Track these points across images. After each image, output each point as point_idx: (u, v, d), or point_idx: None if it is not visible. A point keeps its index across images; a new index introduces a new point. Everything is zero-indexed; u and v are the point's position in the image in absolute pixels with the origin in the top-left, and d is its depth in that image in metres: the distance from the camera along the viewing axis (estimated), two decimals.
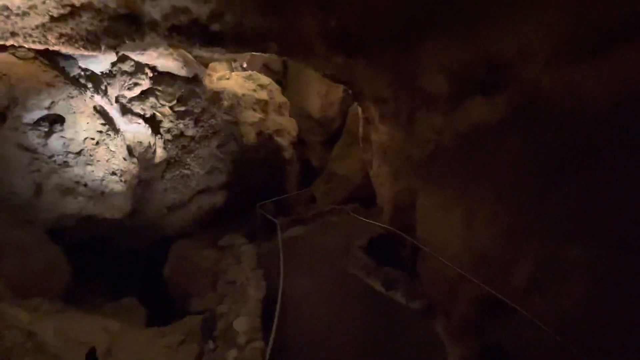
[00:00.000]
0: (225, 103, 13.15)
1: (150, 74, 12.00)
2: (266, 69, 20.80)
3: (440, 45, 8.27)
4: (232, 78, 15.71)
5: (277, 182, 16.74)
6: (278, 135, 16.37)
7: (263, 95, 16.14)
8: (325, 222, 15.74)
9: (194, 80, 12.61)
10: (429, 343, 7.64)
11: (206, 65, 16.49)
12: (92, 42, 7.11)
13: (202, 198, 12.48)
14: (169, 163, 12.00)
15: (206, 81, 13.78)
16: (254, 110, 15.14)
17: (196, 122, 12.14)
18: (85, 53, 7.86)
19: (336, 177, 19.79)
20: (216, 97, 13.14)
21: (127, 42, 7.47)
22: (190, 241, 12.30)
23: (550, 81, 6.37)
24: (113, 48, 7.41)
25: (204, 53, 19.24)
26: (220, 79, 15.30)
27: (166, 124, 12.02)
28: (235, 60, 18.48)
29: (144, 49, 10.73)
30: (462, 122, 8.37)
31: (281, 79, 22.27)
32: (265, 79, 17.15)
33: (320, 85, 20.81)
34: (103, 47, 7.32)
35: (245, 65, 17.70)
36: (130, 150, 11.73)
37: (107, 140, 10.67)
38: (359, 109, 16.67)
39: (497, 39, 7.10)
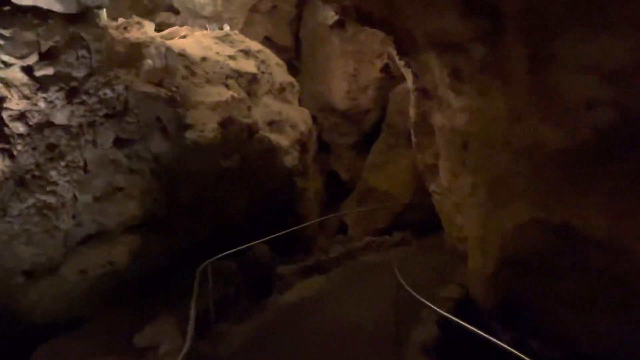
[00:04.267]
0: (150, 63, 6.78)
1: None
2: (270, 44, 14.61)
3: None
4: (193, 37, 9.44)
5: (275, 208, 10.24)
6: (274, 130, 9.91)
7: (248, 66, 9.73)
8: (358, 267, 10.16)
9: (82, 18, 6.36)
10: None
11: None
12: None
13: (88, 252, 5.97)
14: (19, 183, 5.76)
15: (128, 33, 7.54)
16: (227, 87, 8.76)
17: (70, 95, 5.82)
18: None
19: (374, 194, 14.62)
20: (133, 52, 6.81)
21: None
22: (74, 341, 5.94)
23: None
24: None
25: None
26: (170, 37, 9.06)
27: (14, 104, 5.79)
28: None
29: None
30: None
31: (293, 59, 16.10)
32: (254, 45, 10.74)
33: (347, 61, 14.59)
34: None
35: (227, 27, 11.38)
36: None
37: None
38: (408, 80, 10.10)
39: None
